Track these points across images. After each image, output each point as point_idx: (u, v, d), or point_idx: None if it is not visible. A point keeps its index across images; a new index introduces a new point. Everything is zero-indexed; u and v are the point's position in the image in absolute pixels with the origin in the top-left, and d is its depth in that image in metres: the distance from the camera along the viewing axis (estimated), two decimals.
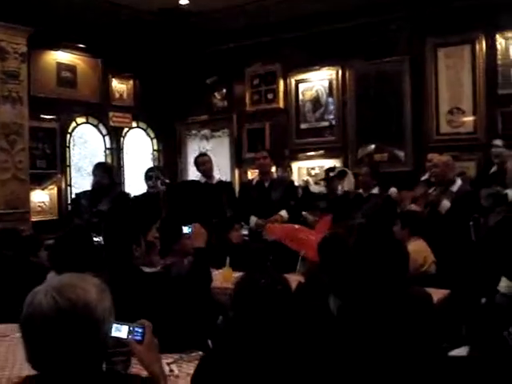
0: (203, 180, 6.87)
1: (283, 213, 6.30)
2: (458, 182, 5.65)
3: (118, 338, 2.03)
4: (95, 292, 1.57)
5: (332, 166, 7.69)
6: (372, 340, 2.18)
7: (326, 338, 2.12)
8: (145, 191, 6.95)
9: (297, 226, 5.68)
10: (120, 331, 2.06)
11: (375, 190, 6.18)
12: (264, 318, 1.81)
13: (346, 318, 2.22)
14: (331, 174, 7.15)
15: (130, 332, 2.06)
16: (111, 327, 1.64)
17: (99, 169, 6.20)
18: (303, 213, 6.28)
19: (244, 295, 1.89)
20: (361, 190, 6.38)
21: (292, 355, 1.86)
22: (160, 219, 6.14)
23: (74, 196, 7.43)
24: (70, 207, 7.50)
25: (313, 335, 2.09)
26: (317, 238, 5.07)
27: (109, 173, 6.26)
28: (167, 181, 6.82)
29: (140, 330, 2.05)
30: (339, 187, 6.73)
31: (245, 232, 6.68)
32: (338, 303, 2.29)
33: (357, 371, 2.08)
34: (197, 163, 6.94)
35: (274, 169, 7.15)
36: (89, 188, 6.58)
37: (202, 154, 7.21)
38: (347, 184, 6.90)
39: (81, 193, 7.15)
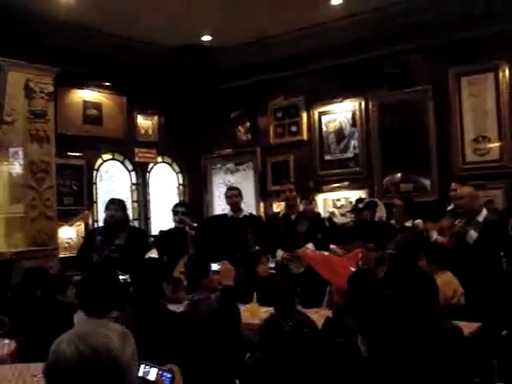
0: (230, 214, 6.88)
1: (310, 245, 6.26)
2: (484, 211, 5.59)
3: (147, 381, 2.02)
4: (118, 339, 1.56)
5: (361, 197, 7.64)
6: (403, 379, 2.14)
7: (357, 380, 2.08)
8: (172, 226, 6.97)
9: (328, 254, 5.68)
10: (148, 374, 2.05)
11: (409, 223, 6.11)
12: (290, 361, 1.80)
13: (378, 359, 2.18)
14: (360, 206, 7.11)
15: (158, 375, 2.05)
16: (137, 372, 1.63)
17: (114, 204, 6.23)
18: (331, 246, 6.23)
19: (270, 339, 1.88)
20: (393, 222, 6.32)
21: None
22: (187, 255, 6.21)
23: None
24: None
25: (343, 377, 2.06)
26: (345, 264, 5.07)
27: (123, 208, 6.30)
28: (195, 225, 6.84)
29: (169, 376, 2.04)
30: (377, 216, 6.66)
31: (271, 265, 6.67)
32: (367, 343, 2.26)
33: None
34: (226, 196, 6.99)
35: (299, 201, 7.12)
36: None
37: (231, 188, 7.19)
38: (379, 214, 6.83)
39: (95, 229, 7.19)
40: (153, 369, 2.05)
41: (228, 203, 6.93)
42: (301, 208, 6.68)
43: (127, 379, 1.55)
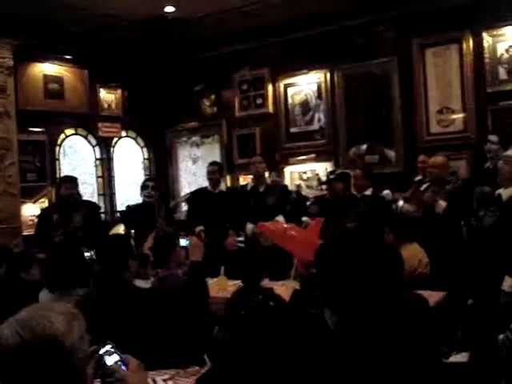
0: (209, 188, 6.92)
1: (280, 218, 6.29)
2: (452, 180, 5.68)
3: (104, 363, 1.98)
4: (63, 322, 1.54)
5: (335, 169, 7.64)
6: (371, 352, 2.16)
7: (324, 353, 2.09)
8: (140, 201, 6.93)
9: (287, 225, 5.68)
10: (109, 356, 2.00)
11: (368, 192, 6.15)
12: (258, 336, 1.79)
13: (345, 333, 2.19)
14: (331, 177, 7.13)
15: (116, 364, 2.01)
16: (84, 354, 1.60)
17: (71, 182, 6.20)
18: (303, 218, 6.25)
19: (237, 315, 1.87)
20: (354, 192, 6.34)
21: (289, 372, 1.84)
22: (155, 230, 6.19)
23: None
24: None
25: (310, 350, 2.06)
26: (307, 236, 5.08)
27: (76, 184, 6.28)
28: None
29: (124, 368, 1.99)
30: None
31: (241, 239, 6.69)
32: (335, 318, 2.27)
33: None
34: (206, 171, 7.05)
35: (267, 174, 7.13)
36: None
37: (211, 163, 7.20)
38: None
39: (48, 208, 7.10)
40: (115, 355, 1.99)
41: (207, 177, 7.00)
42: (268, 181, 6.68)
43: (72, 362, 1.53)
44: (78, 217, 5.97)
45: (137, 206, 6.92)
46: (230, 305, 1.93)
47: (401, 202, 5.93)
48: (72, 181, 6.27)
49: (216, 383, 1.88)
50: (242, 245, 6.47)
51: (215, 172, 6.90)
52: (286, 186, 7.12)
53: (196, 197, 7.19)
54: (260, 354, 1.80)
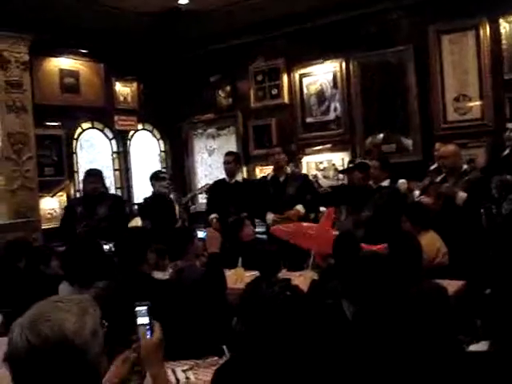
0: (227, 179, 6.94)
1: (299, 207, 6.31)
2: (467, 168, 5.63)
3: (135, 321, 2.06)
4: (74, 318, 1.52)
5: (353, 159, 7.61)
6: (390, 342, 2.15)
7: (341, 344, 2.09)
8: (153, 193, 6.95)
9: (300, 224, 5.69)
10: (141, 317, 2.09)
11: (386, 183, 6.10)
12: (274, 326, 1.80)
13: (363, 324, 2.18)
14: (350, 165, 7.10)
15: (145, 325, 2.08)
16: (100, 345, 1.60)
17: (93, 176, 6.20)
18: (321, 208, 6.24)
19: (251, 306, 1.87)
20: (371, 183, 6.29)
21: (307, 361, 1.84)
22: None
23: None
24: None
25: (328, 341, 2.06)
26: (320, 230, 5.07)
27: (102, 178, 6.29)
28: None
29: (148, 333, 2.06)
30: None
31: (262, 229, 6.72)
32: (353, 309, 2.26)
33: (375, 375, 2.05)
34: (223, 162, 7.08)
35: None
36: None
37: (227, 153, 7.22)
38: None
39: (74, 199, 7.14)
40: (146, 318, 2.07)
41: (224, 168, 7.02)
42: (288, 170, 6.67)
43: (85, 360, 1.53)
44: (102, 209, 5.98)
45: (153, 197, 6.93)
46: (243, 296, 1.92)
47: (417, 192, 5.88)
48: (96, 174, 6.27)
49: (235, 374, 1.88)
50: (259, 235, 6.48)
51: (230, 162, 6.91)
52: (306, 176, 7.09)
53: (214, 188, 7.21)
54: (277, 344, 1.80)
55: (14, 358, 1.49)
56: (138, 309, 2.10)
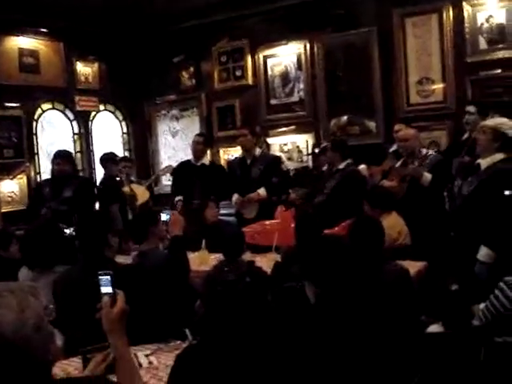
0: (193, 161, 6.91)
1: (261, 191, 6.30)
2: (429, 152, 5.67)
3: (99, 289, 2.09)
4: (13, 315, 1.48)
5: (320, 142, 7.60)
6: (353, 325, 2.16)
7: (304, 327, 2.09)
8: (108, 175, 6.90)
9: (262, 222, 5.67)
10: (104, 286, 2.10)
11: (341, 165, 6.08)
12: (234, 311, 1.78)
13: (325, 307, 2.19)
14: (316, 150, 7.10)
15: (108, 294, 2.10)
16: (45, 336, 1.57)
17: (60, 157, 6.11)
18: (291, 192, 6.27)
19: (213, 293, 1.86)
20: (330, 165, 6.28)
21: (269, 347, 1.83)
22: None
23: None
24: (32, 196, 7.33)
25: (291, 324, 2.06)
26: (284, 224, 5.08)
27: (70, 160, 6.19)
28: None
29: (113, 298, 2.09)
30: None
31: (227, 211, 6.72)
32: (315, 291, 2.26)
33: (339, 358, 2.06)
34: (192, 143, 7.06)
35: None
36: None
37: (197, 134, 7.26)
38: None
39: (42, 181, 7.04)
40: (110, 287, 2.08)
41: (191, 149, 7.02)
42: (257, 152, 6.60)
43: (29, 356, 1.49)
44: (68, 191, 5.89)
45: (110, 181, 6.87)
46: (206, 280, 1.91)
47: (378, 178, 5.92)
48: (64, 156, 6.16)
49: (195, 359, 1.86)
50: (223, 217, 6.47)
51: (200, 143, 6.88)
52: (275, 158, 6.96)
53: (179, 169, 7.17)
54: (236, 329, 1.79)
55: None
56: (100, 278, 2.10)
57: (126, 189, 6.88)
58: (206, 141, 7.01)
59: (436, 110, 7.14)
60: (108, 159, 7.15)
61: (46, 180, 6.70)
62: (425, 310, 3.56)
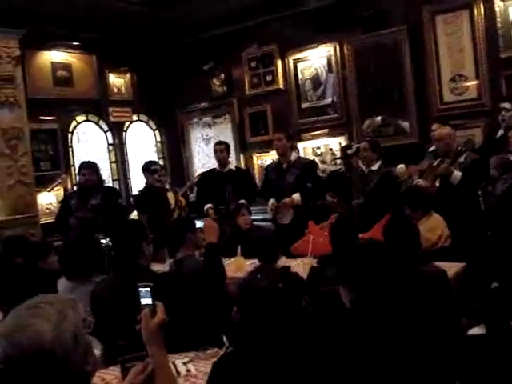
0: (217, 169, 6.96)
1: (296, 196, 6.27)
2: (460, 148, 5.58)
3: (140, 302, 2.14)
4: (51, 326, 1.49)
5: (351, 143, 7.55)
6: (390, 329, 2.13)
7: (340, 333, 2.07)
8: (146, 185, 6.93)
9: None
10: (144, 298, 2.17)
11: (375, 166, 6.03)
12: (268, 318, 1.77)
13: (361, 311, 2.16)
14: (349, 152, 7.04)
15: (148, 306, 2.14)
16: (83, 346, 1.58)
17: (86, 168, 6.21)
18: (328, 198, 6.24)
19: (246, 300, 1.85)
20: (363, 167, 6.23)
21: (305, 353, 1.81)
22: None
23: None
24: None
25: (326, 330, 2.04)
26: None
27: (95, 170, 6.27)
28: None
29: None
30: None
31: (260, 217, 6.75)
32: (351, 295, 2.24)
33: (377, 363, 2.03)
34: (214, 151, 7.12)
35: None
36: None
37: (218, 142, 7.31)
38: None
39: (69, 193, 7.15)
40: (149, 299, 2.12)
41: (215, 157, 7.06)
42: (292, 157, 6.57)
43: (67, 366, 1.50)
44: (94, 201, 5.99)
45: (146, 189, 6.90)
46: (240, 287, 1.91)
47: (415, 177, 5.84)
48: (88, 167, 6.26)
49: (231, 366, 1.86)
50: (257, 223, 6.47)
51: (223, 151, 6.93)
52: (310, 162, 6.87)
53: (205, 178, 7.20)
54: (270, 335, 1.78)
55: None
56: (140, 289, 2.13)
57: (170, 194, 6.91)
58: (227, 148, 7.06)
59: (470, 108, 7.02)
60: (143, 169, 7.22)
61: (73, 192, 6.82)
62: (465, 313, 3.50)
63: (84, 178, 6.16)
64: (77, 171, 6.50)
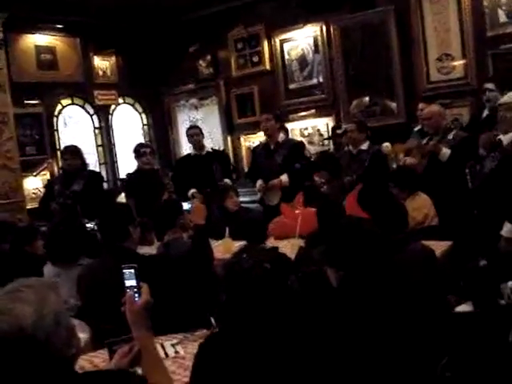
0: (193, 153, 6.90)
1: (284, 177, 6.24)
2: (449, 125, 5.58)
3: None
4: (31, 310, 1.49)
5: (339, 123, 7.54)
6: (377, 307, 2.13)
7: (328, 312, 2.07)
8: (137, 168, 6.87)
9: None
10: (128, 279, 2.12)
11: (364, 146, 6.02)
12: (254, 299, 1.76)
13: (349, 290, 2.16)
14: (338, 132, 7.02)
15: (132, 287, 2.11)
16: (66, 329, 1.57)
17: (68, 152, 6.18)
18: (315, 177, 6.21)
19: (231, 280, 1.84)
20: (350, 147, 6.21)
21: (292, 333, 1.81)
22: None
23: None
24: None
25: (314, 310, 2.04)
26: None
27: (79, 155, 6.23)
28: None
29: (137, 296, 2.11)
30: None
31: (247, 198, 6.74)
32: (338, 274, 2.23)
33: (366, 340, 2.04)
34: (187, 136, 6.97)
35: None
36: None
37: (191, 127, 7.23)
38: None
39: (54, 178, 7.11)
40: (133, 280, 2.10)
41: (190, 142, 6.99)
42: (280, 138, 6.54)
43: (49, 349, 1.49)
44: (77, 186, 5.96)
45: (136, 173, 6.86)
46: (225, 268, 1.90)
47: (401, 156, 5.84)
48: (72, 152, 6.23)
49: (217, 347, 1.85)
50: (244, 205, 6.45)
51: (198, 134, 6.89)
52: (298, 143, 6.82)
53: (182, 164, 7.16)
54: (256, 315, 1.78)
55: None
56: (124, 271, 2.11)
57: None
58: (201, 131, 7.02)
59: (457, 87, 7.02)
60: (133, 152, 7.17)
61: (57, 177, 6.78)
62: (452, 291, 3.52)
63: (66, 162, 6.14)
64: (60, 156, 6.45)
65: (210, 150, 7.06)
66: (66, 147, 6.44)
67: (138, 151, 6.78)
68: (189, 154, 7.12)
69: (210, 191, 6.44)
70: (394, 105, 7.53)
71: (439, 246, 4.09)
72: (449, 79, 7.12)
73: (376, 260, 2.31)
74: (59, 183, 6.13)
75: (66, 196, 5.87)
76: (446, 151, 5.27)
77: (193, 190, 6.62)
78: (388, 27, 7.43)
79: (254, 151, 6.95)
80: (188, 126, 7.50)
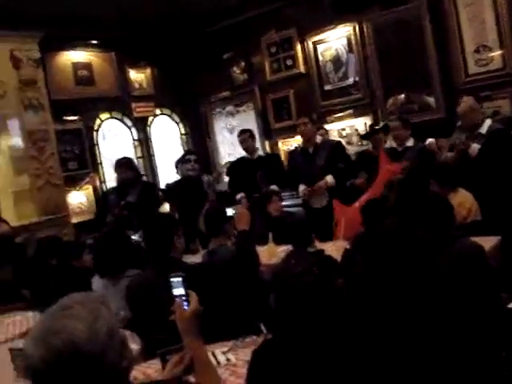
0: (246, 157, 6.93)
1: (329, 178, 6.20)
2: (488, 122, 5.45)
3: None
4: (85, 326, 1.49)
5: (378, 121, 7.47)
6: (428, 307, 2.10)
7: (376, 313, 2.04)
8: (180, 177, 6.92)
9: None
10: (176, 288, 2.18)
11: (410, 143, 5.96)
12: (306, 304, 1.75)
13: (397, 291, 2.13)
14: (376, 128, 6.95)
15: (180, 299, 2.15)
16: (119, 342, 1.58)
17: (119, 165, 6.26)
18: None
19: (281, 287, 1.82)
20: (395, 145, 6.14)
21: (344, 336, 1.79)
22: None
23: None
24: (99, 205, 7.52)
25: (364, 313, 2.01)
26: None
27: (130, 166, 6.30)
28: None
29: (186, 305, 2.13)
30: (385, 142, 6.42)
31: (291, 202, 6.71)
32: (384, 276, 2.20)
33: (419, 339, 2.01)
34: (238, 141, 7.06)
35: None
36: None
37: (241, 131, 7.21)
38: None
39: (108, 189, 7.21)
40: (182, 289, 2.11)
41: (242, 147, 6.96)
42: (318, 140, 6.51)
43: (104, 363, 1.49)
44: (131, 197, 6.03)
45: (178, 181, 6.90)
46: (274, 274, 1.89)
47: (445, 152, 5.74)
48: (122, 164, 6.33)
49: (271, 353, 1.84)
50: (287, 209, 6.43)
51: (247, 139, 6.88)
52: (336, 143, 6.75)
53: (234, 168, 7.18)
54: (308, 321, 1.76)
55: (30, 371, 1.47)
56: (172, 280, 2.13)
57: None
58: (251, 135, 7.00)
59: (496, 78, 6.87)
60: (176, 162, 7.23)
61: (112, 188, 6.85)
62: (505, 287, 3.43)
63: (120, 176, 6.25)
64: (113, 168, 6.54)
65: (263, 153, 7.05)
66: (117, 161, 6.52)
67: (183, 158, 6.85)
68: (242, 158, 7.13)
69: (257, 197, 6.43)
70: (431, 100, 7.41)
71: (486, 242, 4.00)
72: (487, 71, 6.97)
73: (424, 258, 2.27)
74: (114, 195, 6.21)
75: (120, 207, 5.94)
76: (474, 146, 5.18)
77: (241, 195, 6.63)
78: (421, 22, 7.32)
79: (291, 156, 6.94)
80: (239, 131, 7.41)
